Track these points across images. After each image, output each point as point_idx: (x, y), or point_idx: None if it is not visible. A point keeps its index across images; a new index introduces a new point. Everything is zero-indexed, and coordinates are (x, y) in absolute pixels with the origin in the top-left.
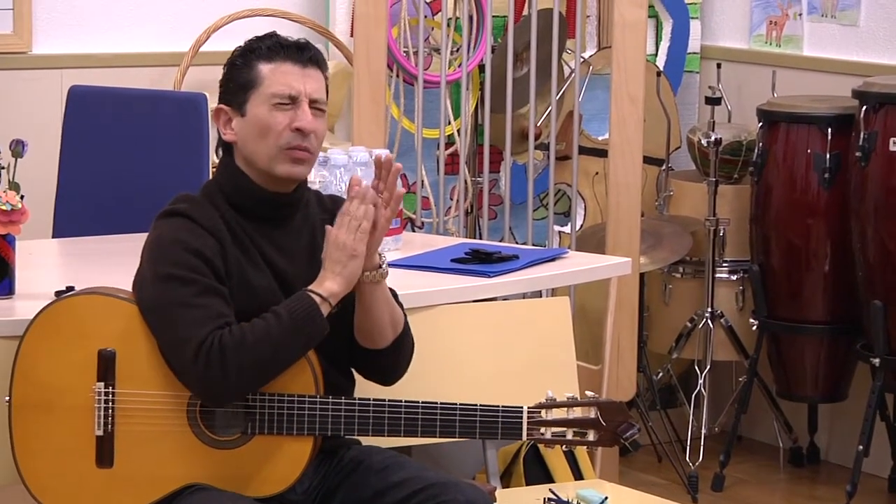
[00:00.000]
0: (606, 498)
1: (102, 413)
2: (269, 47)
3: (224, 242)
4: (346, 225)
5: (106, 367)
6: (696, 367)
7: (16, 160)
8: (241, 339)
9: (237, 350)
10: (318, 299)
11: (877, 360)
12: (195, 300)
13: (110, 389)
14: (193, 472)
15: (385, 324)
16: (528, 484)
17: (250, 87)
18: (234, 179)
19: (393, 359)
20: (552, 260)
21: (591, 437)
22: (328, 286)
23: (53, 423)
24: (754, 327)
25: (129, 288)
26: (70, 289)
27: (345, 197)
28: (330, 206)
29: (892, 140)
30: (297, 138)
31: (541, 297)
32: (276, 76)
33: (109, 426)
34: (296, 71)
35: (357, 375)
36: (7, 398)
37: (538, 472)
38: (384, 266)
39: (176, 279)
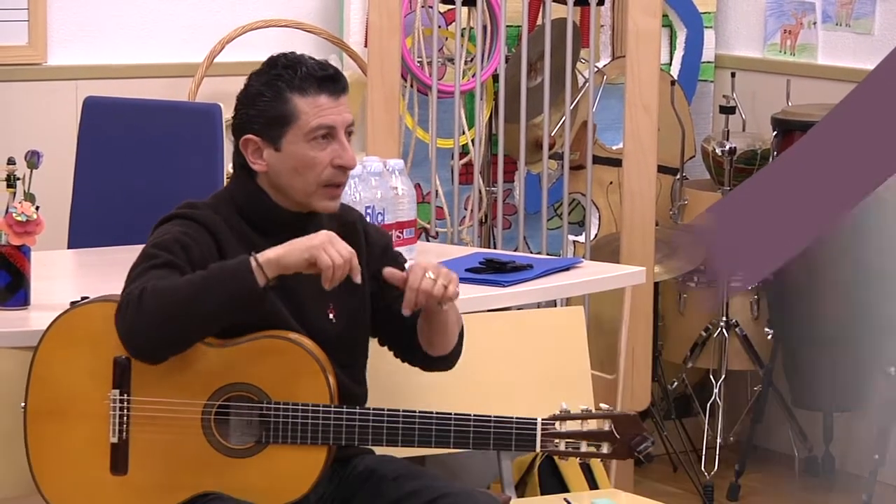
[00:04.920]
0: None
1: (117, 420)
2: (301, 79)
3: (225, 244)
4: (339, 246)
5: (121, 374)
6: (711, 377)
7: (31, 171)
8: (161, 284)
9: (153, 293)
10: (252, 262)
11: (892, 370)
12: (152, 271)
13: (125, 397)
14: (207, 481)
15: (455, 331)
16: (542, 493)
17: (286, 122)
18: (250, 195)
19: (458, 350)
20: (566, 269)
21: (605, 449)
22: (266, 252)
23: (68, 431)
24: (769, 336)
25: None
26: (85, 299)
27: (358, 209)
28: (337, 214)
29: None
30: (339, 175)
31: (555, 306)
32: (314, 111)
33: (124, 433)
34: (331, 104)
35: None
36: (23, 405)
37: (553, 482)
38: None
39: (149, 256)
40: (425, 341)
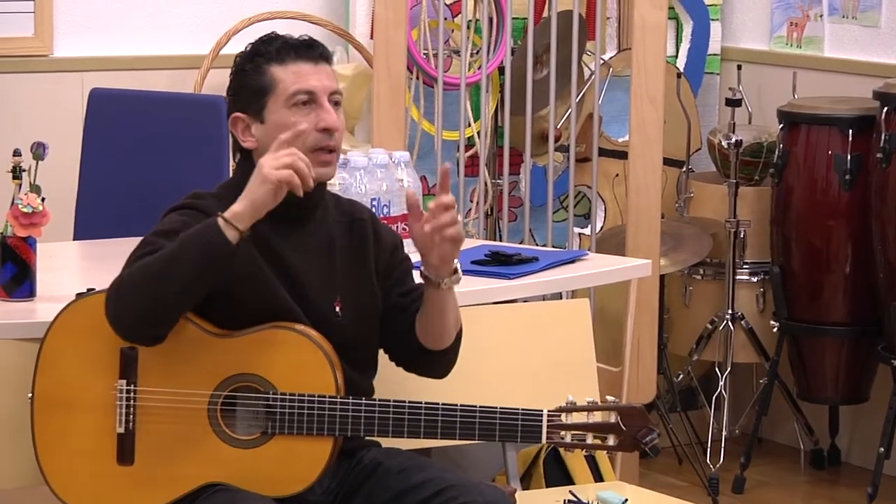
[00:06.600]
0: (626, 500)
1: (124, 410)
2: (277, 49)
3: None
4: (274, 151)
5: (128, 364)
6: (717, 369)
7: (37, 163)
8: (137, 263)
9: (130, 273)
10: (220, 221)
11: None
12: (145, 258)
13: (132, 387)
14: (213, 471)
15: (452, 325)
16: (548, 485)
17: (266, 92)
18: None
19: (453, 355)
20: (572, 262)
21: (611, 441)
22: (233, 207)
23: (75, 421)
24: (775, 329)
25: None
26: (91, 291)
27: (364, 201)
28: (348, 209)
29: None
30: (325, 138)
31: (561, 298)
32: (292, 78)
33: (131, 424)
34: (309, 69)
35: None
36: (30, 395)
37: (558, 474)
38: (459, 271)
39: (145, 244)
40: (423, 332)
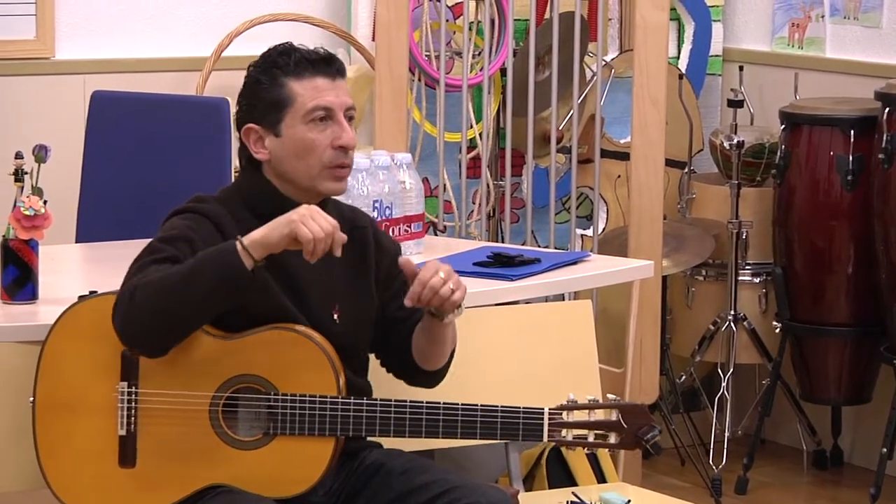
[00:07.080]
0: (629, 501)
1: (125, 413)
2: (296, 63)
3: (230, 237)
4: (320, 218)
5: (129, 367)
6: (720, 370)
7: (39, 165)
8: (152, 276)
9: (144, 285)
10: (238, 245)
11: None
12: (152, 266)
13: (133, 389)
14: (215, 473)
15: (448, 350)
16: (550, 487)
17: (283, 106)
18: (259, 188)
19: (445, 371)
20: (574, 263)
21: (612, 439)
22: (251, 234)
23: (77, 424)
24: (777, 330)
25: None
26: (93, 293)
27: (367, 203)
28: (349, 216)
29: None
30: (340, 156)
31: (563, 300)
32: (310, 93)
33: (132, 426)
34: (327, 85)
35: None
36: (31, 399)
37: (561, 475)
38: (462, 305)
39: (152, 250)
40: (419, 353)
